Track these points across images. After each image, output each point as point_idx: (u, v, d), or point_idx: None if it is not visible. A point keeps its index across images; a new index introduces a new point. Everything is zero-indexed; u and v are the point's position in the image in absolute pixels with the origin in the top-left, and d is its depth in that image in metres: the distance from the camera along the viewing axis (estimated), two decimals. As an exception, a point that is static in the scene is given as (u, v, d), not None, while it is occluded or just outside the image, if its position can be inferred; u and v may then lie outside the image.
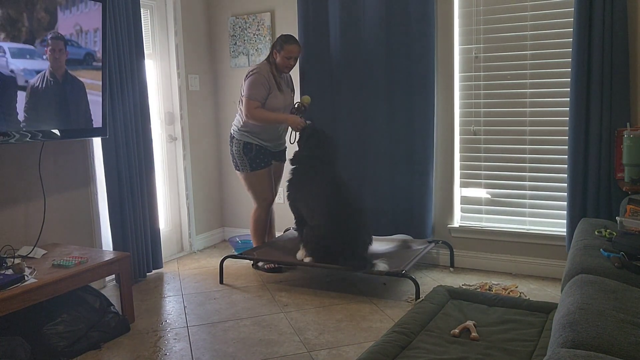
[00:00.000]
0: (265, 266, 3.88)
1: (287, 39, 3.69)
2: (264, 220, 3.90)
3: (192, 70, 4.42)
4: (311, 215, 3.48)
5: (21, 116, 2.75)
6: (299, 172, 3.57)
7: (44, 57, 2.84)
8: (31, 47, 2.75)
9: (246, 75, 3.68)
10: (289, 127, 3.75)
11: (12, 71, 2.66)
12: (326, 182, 3.48)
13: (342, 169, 3.86)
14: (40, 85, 2.84)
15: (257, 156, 3.73)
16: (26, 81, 2.74)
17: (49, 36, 2.88)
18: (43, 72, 2.85)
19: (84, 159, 3.46)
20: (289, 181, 3.61)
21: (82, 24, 3.02)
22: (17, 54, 2.69)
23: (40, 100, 2.85)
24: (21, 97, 2.73)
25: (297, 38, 3.80)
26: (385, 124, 3.89)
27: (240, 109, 3.71)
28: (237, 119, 3.79)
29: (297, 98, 3.94)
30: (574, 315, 1.55)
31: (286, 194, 3.64)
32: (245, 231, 4.51)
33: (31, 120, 2.79)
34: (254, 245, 3.93)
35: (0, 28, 2.58)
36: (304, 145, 3.57)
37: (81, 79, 3.08)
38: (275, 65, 3.69)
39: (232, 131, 3.82)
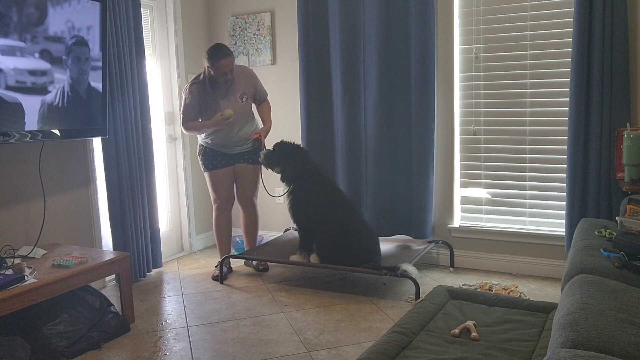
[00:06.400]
0: (259, 267, 3.90)
1: (214, 54, 3.43)
2: (223, 222, 3.83)
3: (192, 70, 4.41)
4: (326, 225, 3.43)
5: (36, 119, 2.81)
6: (299, 189, 3.51)
7: (66, 65, 2.90)
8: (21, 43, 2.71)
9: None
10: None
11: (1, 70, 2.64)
12: (329, 190, 3.52)
13: (343, 169, 3.87)
14: (60, 97, 2.90)
15: (208, 157, 3.71)
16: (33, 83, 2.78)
17: (71, 42, 2.90)
18: (63, 83, 2.90)
19: (84, 159, 3.46)
20: (293, 199, 3.52)
21: (74, 21, 2.97)
22: (7, 52, 2.66)
23: (57, 107, 2.91)
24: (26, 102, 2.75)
25: (226, 47, 3.51)
26: (385, 124, 3.89)
27: None
28: None
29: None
30: (574, 315, 1.55)
31: (291, 211, 3.54)
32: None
33: (45, 122, 2.86)
34: (219, 250, 3.88)
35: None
36: (288, 165, 3.50)
37: (95, 85, 3.15)
38: (209, 78, 3.51)
39: None
